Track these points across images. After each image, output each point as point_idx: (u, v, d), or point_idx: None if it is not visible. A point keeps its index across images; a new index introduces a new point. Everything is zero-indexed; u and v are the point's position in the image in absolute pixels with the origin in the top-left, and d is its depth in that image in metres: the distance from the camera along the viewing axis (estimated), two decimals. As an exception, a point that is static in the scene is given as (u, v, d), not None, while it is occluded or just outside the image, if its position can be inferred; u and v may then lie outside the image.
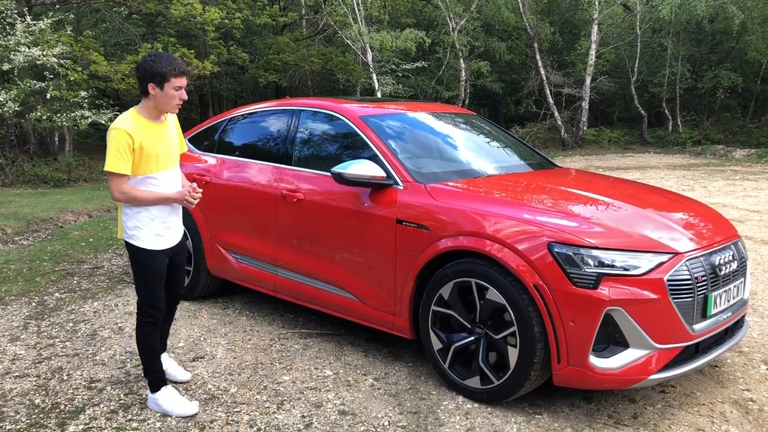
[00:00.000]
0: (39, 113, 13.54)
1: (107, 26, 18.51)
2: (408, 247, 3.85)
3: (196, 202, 3.45)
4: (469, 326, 3.64)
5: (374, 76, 20.18)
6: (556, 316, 3.27)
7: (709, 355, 3.53)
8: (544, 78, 23.54)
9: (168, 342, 4.48)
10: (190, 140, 5.69)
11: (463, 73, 22.66)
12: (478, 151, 4.78)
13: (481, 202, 3.71)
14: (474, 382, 3.60)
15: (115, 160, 3.27)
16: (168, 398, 3.54)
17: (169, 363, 3.90)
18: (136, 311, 3.55)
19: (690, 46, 23.89)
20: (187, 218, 5.29)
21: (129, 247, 3.47)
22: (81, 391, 3.80)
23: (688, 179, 14.02)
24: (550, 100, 23.78)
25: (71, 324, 4.95)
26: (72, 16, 17.94)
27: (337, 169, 4.01)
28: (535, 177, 4.43)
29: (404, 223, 3.86)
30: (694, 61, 24.22)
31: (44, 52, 13.12)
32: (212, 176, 5.17)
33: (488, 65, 23.64)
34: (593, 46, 22.39)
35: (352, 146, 4.43)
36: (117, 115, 14.45)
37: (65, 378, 3.98)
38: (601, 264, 3.25)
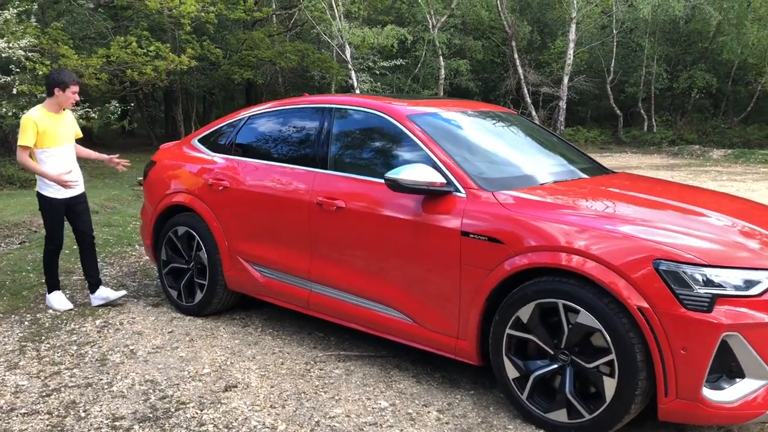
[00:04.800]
0: (4, 109, 12.71)
1: (74, 18, 17.62)
2: (476, 263, 3.43)
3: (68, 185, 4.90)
4: (552, 352, 3.25)
5: (353, 74, 19.69)
6: (664, 342, 2.89)
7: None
8: (522, 77, 23.36)
9: (191, 366, 4.05)
10: (200, 141, 5.18)
11: (443, 71, 22.32)
12: (535, 155, 4.39)
13: (566, 213, 3.31)
14: (559, 416, 3.20)
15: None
16: (55, 298, 5.18)
17: (106, 291, 5.26)
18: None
19: (666, 47, 23.99)
20: (201, 227, 4.81)
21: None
22: (105, 431, 3.28)
23: (676, 180, 13.91)
24: (528, 100, 23.63)
25: (75, 347, 4.40)
26: (36, 6, 17.04)
27: (392, 174, 3.58)
28: (607, 183, 4.06)
29: (471, 235, 3.44)
30: (669, 61, 24.33)
31: (10, 44, 12.31)
32: (231, 181, 4.67)
33: (467, 63, 23.35)
34: (571, 45, 22.28)
35: (399, 148, 3.99)
36: (87, 112, 13.87)
37: (83, 415, 3.45)
38: (714, 284, 2.88)
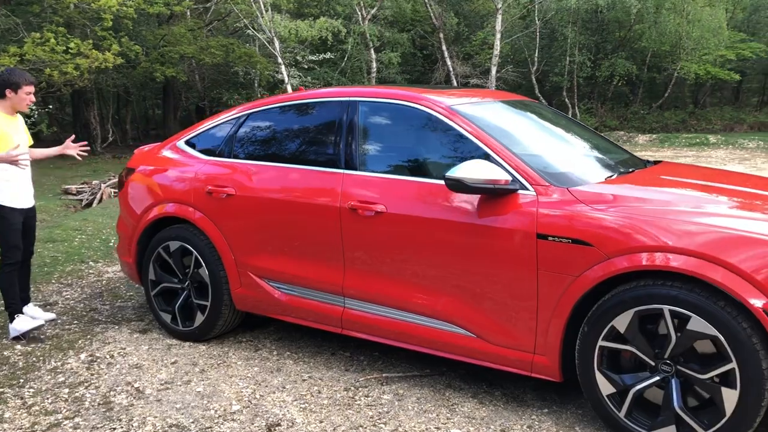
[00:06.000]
0: None
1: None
2: (558, 269, 3.07)
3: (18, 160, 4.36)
4: (653, 363, 2.94)
5: (283, 68, 18.98)
6: (794, 347, 2.63)
7: None
8: (451, 69, 23.30)
9: (216, 404, 3.50)
10: (188, 143, 4.58)
11: (375, 65, 21.93)
12: (584, 147, 4.06)
13: (659, 208, 3.00)
14: (668, 434, 2.90)
15: None
16: (21, 322, 4.53)
17: (34, 310, 4.84)
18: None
19: (587, 36, 24.53)
20: (200, 241, 4.25)
21: None
22: (145, 498, 2.73)
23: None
24: (457, 91, 23.57)
25: (66, 389, 3.75)
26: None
27: (453, 174, 3.17)
28: (673, 173, 3.85)
29: (550, 238, 3.08)
30: (591, 49, 24.90)
31: None
32: (236, 187, 4.12)
33: (399, 56, 23.04)
34: (498, 36, 22.37)
35: (446, 144, 3.58)
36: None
37: (109, 478, 2.87)
38: (843, 280, 2.64)
